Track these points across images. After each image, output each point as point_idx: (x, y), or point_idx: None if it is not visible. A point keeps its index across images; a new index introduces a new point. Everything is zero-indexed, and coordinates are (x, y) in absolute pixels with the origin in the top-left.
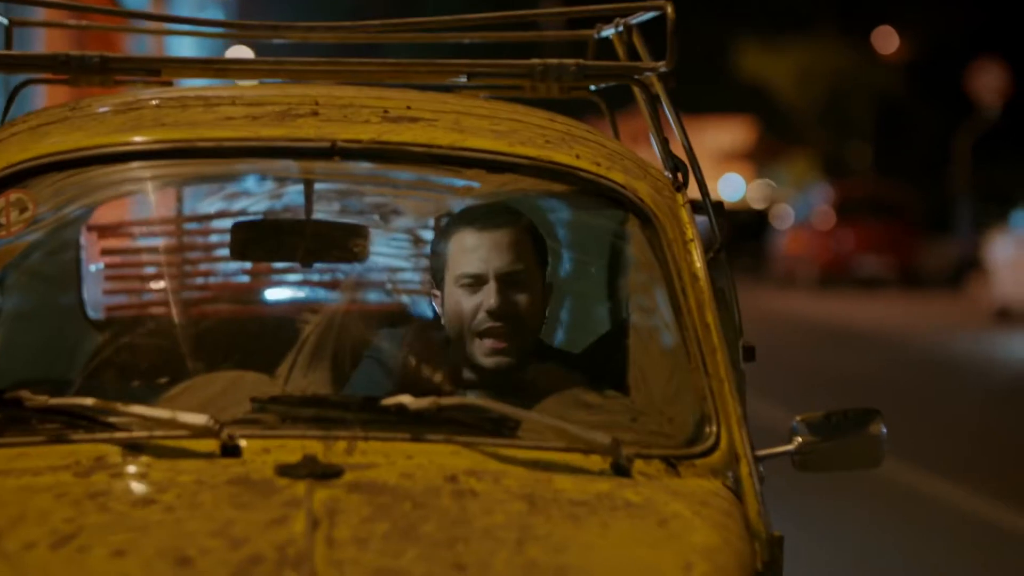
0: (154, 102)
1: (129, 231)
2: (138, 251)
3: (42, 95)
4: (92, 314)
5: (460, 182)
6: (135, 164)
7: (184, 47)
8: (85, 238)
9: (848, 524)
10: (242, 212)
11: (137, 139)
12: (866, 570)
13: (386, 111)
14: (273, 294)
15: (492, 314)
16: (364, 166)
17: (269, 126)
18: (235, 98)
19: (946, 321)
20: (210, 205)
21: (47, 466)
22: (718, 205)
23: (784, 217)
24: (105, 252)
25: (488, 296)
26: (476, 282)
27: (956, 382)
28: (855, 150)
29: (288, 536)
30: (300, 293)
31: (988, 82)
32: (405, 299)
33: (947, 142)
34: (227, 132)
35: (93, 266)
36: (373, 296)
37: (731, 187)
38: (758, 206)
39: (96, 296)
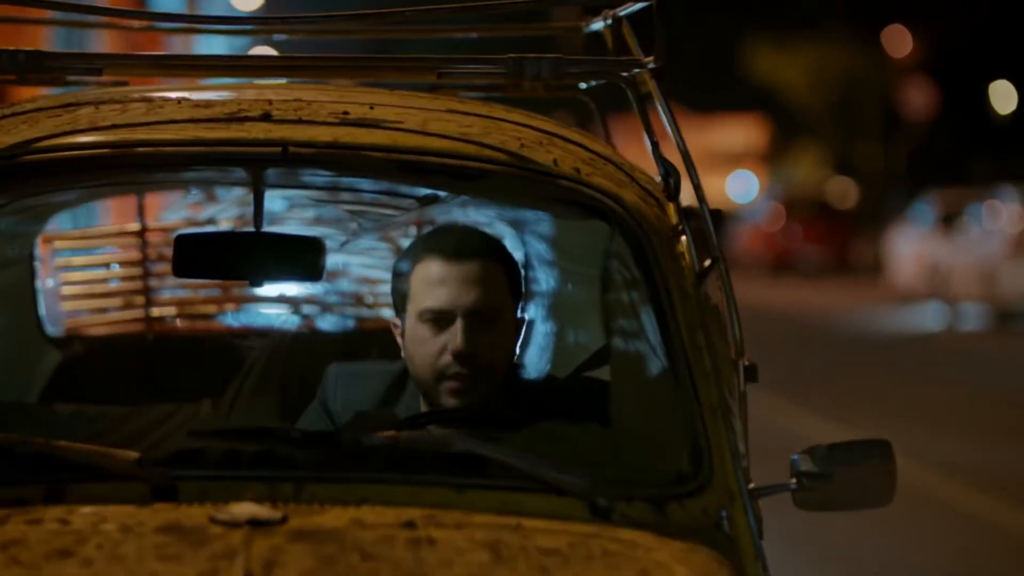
0: (93, 103)
1: (85, 242)
2: (90, 265)
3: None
4: (51, 330)
5: (424, 191)
6: (65, 172)
7: (215, 47)
8: (40, 250)
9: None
10: (191, 222)
11: (66, 143)
12: None
13: (346, 112)
14: (222, 314)
15: (458, 357)
16: (320, 173)
17: (214, 129)
18: (182, 98)
19: (858, 303)
20: (166, 215)
21: None
22: (716, 213)
23: (741, 216)
24: (60, 266)
25: (455, 337)
26: (442, 319)
27: (841, 346)
28: (863, 150)
29: None
30: (249, 314)
31: (917, 99)
32: (360, 325)
33: (956, 143)
34: (166, 135)
35: (51, 280)
36: (327, 321)
37: (742, 185)
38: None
39: (55, 311)
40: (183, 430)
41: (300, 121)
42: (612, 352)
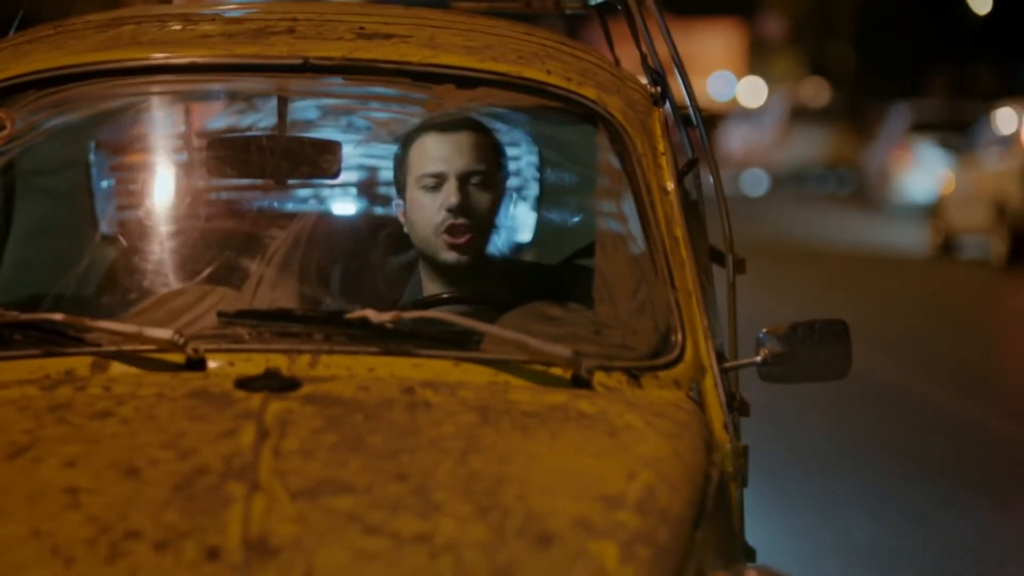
0: (135, 20)
1: (133, 150)
2: (130, 169)
3: None
4: (105, 229)
5: (430, 97)
6: (108, 82)
7: None
8: (95, 155)
9: None
10: (219, 129)
11: (110, 58)
12: None
13: (362, 28)
14: (245, 209)
15: (453, 211)
16: (336, 83)
17: (243, 43)
18: (216, 15)
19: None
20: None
21: (15, 380)
22: (709, 117)
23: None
24: (112, 169)
25: (449, 195)
26: (437, 182)
27: None
28: (837, 51)
29: (235, 447)
30: (271, 208)
31: (771, 27)
32: (373, 213)
33: (927, 45)
34: (201, 51)
35: (104, 182)
36: (340, 210)
37: (723, 84)
38: (752, 103)
39: (108, 212)
40: (212, 311)
41: (320, 35)
42: (597, 242)
